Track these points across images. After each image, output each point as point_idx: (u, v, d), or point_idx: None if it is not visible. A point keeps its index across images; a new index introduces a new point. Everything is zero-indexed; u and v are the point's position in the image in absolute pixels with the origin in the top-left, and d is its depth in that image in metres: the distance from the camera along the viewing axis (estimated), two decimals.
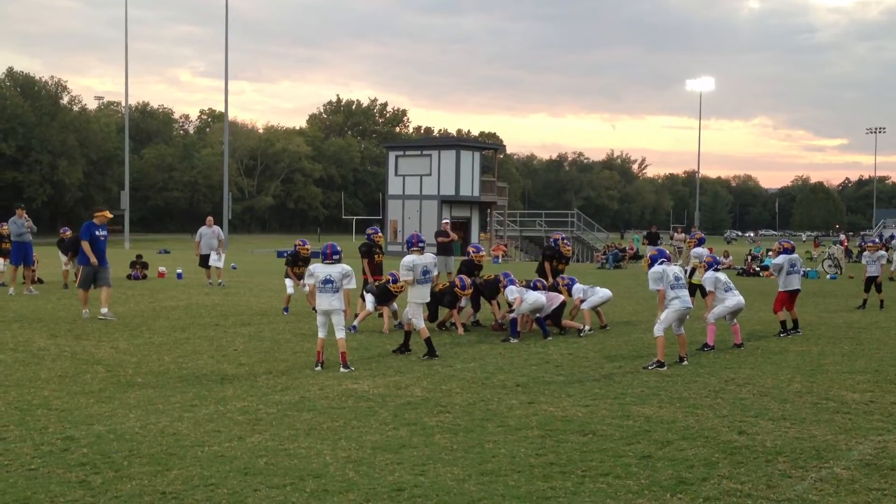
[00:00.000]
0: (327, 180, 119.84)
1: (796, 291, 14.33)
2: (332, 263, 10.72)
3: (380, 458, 6.68)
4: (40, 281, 21.79)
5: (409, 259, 11.77)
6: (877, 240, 29.71)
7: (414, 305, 11.72)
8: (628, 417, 8.14)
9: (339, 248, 10.95)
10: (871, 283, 18.95)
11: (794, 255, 14.50)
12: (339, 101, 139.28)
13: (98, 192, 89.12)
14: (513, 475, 6.32)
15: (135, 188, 78.55)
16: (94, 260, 15.27)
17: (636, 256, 40.19)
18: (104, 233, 15.68)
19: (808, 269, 32.85)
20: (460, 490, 5.99)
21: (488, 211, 52.08)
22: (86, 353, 11.59)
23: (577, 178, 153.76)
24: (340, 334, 10.56)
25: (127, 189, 56.91)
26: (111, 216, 16.34)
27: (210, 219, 23.57)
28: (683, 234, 43.38)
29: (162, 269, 26.55)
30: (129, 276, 24.42)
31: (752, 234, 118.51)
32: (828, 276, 30.94)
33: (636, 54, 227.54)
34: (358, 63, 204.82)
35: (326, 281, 10.54)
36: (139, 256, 26.98)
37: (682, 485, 6.14)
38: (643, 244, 42.06)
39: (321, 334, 10.68)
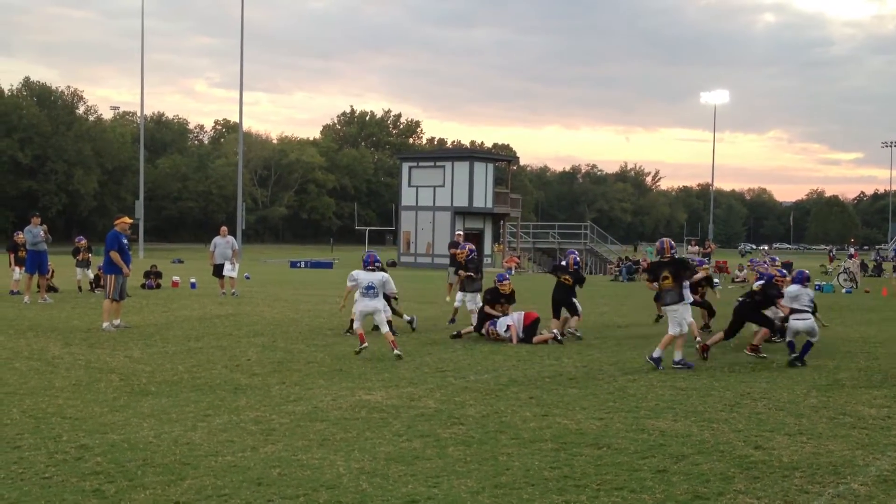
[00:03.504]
0: (340, 191, 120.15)
1: None
2: (373, 271, 12.39)
3: (393, 470, 6.66)
4: (55, 289, 21.90)
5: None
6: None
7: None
8: (643, 431, 8.09)
9: (378, 258, 12.71)
10: None
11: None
12: (352, 112, 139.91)
13: (113, 201, 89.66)
14: (527, 488, 6.28)
15: (149, 198, 79.01)
16: (126, 270, 15.19)
17: None
18: (125, 241, 15.68)
19: (824, 283, 32.74)
20: (474, 502, 5.96)
21: (501, 222, 52.09)
22: (100, 361, 11.62)
23: (591, 190, 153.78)
24: (385, 328, 12.37)
25: (141, 199, 57.22)
26: (131, 221, 16.33)
27: (224, 228, 23.67)
28: (697, 247, 43.35)
29: (176, 278, 26.67)
30: (143, 286, 24.51)
31: (766, 248, 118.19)
32: (843, 291, 30.78)
33: (651, 67, 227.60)
34: (372, 74, 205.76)
35: (369, 287, 12.30)
36: (153, 266, 27.09)
37: (698, 499, 6.09)
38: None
39: (360, 329, 12.48)
